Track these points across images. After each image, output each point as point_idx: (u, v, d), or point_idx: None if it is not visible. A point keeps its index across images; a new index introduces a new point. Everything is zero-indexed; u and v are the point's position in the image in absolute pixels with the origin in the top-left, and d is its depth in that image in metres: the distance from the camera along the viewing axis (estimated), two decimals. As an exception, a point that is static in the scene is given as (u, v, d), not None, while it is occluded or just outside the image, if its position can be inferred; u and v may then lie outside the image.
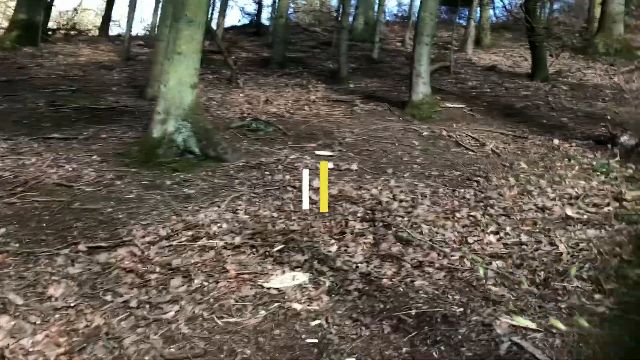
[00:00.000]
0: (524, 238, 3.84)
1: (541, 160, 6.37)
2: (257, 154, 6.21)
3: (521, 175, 5.71)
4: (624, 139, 7.14)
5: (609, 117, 8.53)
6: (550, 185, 5.33)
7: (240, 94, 9.76)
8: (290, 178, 5.30)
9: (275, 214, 4.31)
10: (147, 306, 2.91)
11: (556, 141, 7.12)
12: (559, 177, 5.70)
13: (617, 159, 6.27)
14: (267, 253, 3.57)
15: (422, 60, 8.41)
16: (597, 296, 2.90)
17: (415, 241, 3.74)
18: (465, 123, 8.06)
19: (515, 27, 19.82)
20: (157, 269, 3.33)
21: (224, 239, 3.75)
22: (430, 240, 3.78)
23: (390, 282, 3.17)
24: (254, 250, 3.63)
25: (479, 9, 17.02)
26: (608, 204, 4.72)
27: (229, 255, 3.53)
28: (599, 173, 5.87)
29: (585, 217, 4.37)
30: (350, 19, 15.88)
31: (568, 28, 21.05)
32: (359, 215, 4.29)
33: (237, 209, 4.38)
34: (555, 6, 22.55)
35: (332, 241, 3.79)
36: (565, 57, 14.17)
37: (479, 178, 5.63)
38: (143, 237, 3.83)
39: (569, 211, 4.49)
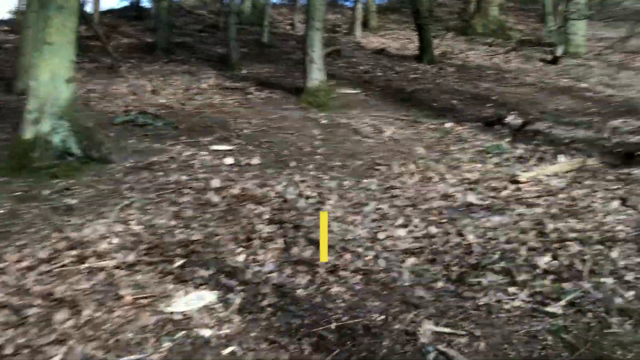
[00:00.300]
0: (432, 230, 3.80)
1: (437, 145, 6.49)
2: (146, 152, 5.71)
3: (420, 161, 5.75)
4: (509, 119, 7.49)
5: (493, 98, 8.94)
6: (450, 171, 5.41)
7: (124, 84, 9.04)
8: (186, 178, 4.91)
9: (172, 222, 3.93)
10: (27, 351, 2.47)
11: (449, 124, 7.30)
12: (456, 160, 5.82)
13: (507, 139, 6.55)
14: (167, 270, 3.22)
15: (314, 46, 8.25)
16: (511, 289, 2.90)
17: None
18: (361, 109, 8.04)
19: (400, 9, 20.37)
20: (37, 302, 2.86)
21: (115, 258, 3.33)
22: (342, 240, 3.63)
23: (305, 293, 2.96)
24: (151, 268, 3.25)
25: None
26: (505, 187, 4.85)
27: (122, 277, 3.13)
28: (491, 155, 6.08)
29: (487, 202, 4.45)
30: (238, 1, 15.37)
31: (448, 9, 22.01)
32: (265, 217, 4.04)
33: (128, 220, 3.94)
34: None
35: (239, 249, 3.51)
36: (447, 38, 14.72)
37: (380, 167, 5.59)
38: (18, 262, 3.30)
39: (471, 197, 4.55)
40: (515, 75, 10.93)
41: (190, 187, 4.68)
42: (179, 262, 3.32)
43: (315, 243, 3.53)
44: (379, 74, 10.71)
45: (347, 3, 20.31)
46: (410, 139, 6.71)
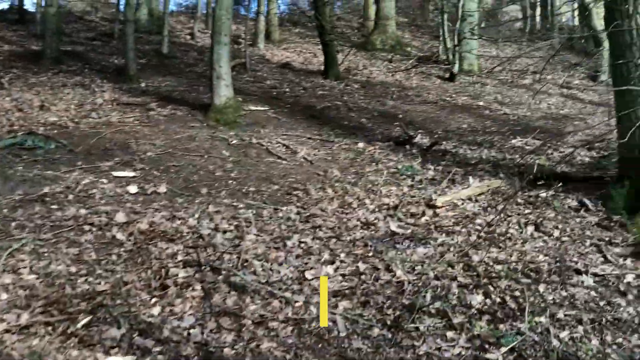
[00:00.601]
0: (361, 266, 3.66)
1: (351, 166, 6.42)
2: (38, 181, 5.08)
3: (337, 185, 5.63)
4: (418, 138, 7.62)
5: (400, 116, 9.10)
6: (368, 195, 5.34)
7: (7, 98, 8.11)
8: (86, 212, 4.40)
9: (73, 269, 3.47)
10: None
11: (361, 144, 7.28)
12: (372, 183, 5.77)
13: (418, 160, 6.63)
14: (69, 332, 2.79)
15: (222, 61, 7.91)
16: (449, 334, 2.81)
17: (251, 286, 3.30)
18: (272, 128, 7.81)
19: (303, 23, 20.43)
20: None
21: (5, 319, 2.84)
22: (267, 283, 3.38)
23: (233, 352, 2.69)
24: (50, 329, 2.81)
25: (266, 2, 16.97)
26: (424, 213, 4.85)
27: (14, 344, 2.67)
28: (405, 176, 6.10)
29: (409, 230, 4.40)
30: (134, 7, 14.54)
31: (346, 23, 22.45)
32: (179, 257, 3.69)
33: (19, 268, 3.42)
34: (338, 3, 23.74)
35: (153, 300, 3.14)
36: (351, 53, 14.91)
37: (298, 191, 5.41)
38: None
39: (393, 226, 4.49)
40: (418, 93, 11.25)
41: (91, 223, 4.19)
42: (84, 319, 2.90)
43: (239, 288, 3.25)
44: (287, 89, 10.55)
45: (248, 13, 20.01)
46: (325, 160, 6.59)
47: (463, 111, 9.82)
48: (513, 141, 7.71)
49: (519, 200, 5.22)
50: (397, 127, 8.35)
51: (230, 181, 5.61)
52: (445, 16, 13.58)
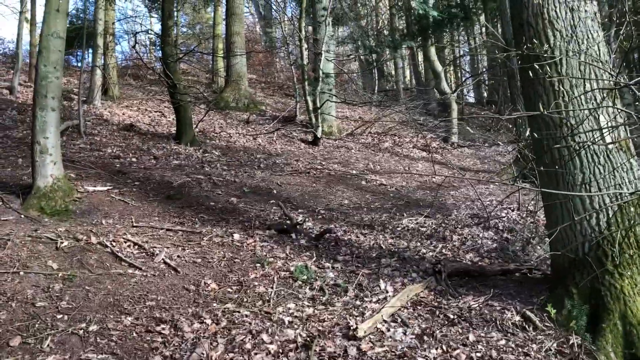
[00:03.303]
0: None
1: (230, 271, 4.96)
2: None
3: (216, 307, 4.15)
4: (306, 225, 6.42)
5: (275, 192, 7.87)
6: (262, 324, 3.93)
7: None
8: None
9: None
10: None
11: (237, 236, 5.85)
12: (263, 300, 4.38)
13: (311, 258, 5.38)
14: None
15: (48, 131, 6.04)
16: None
17: None
18: (117, 216, 6.05)
19: (145, 76, 18.57)
20: None
21: None
22: None
23: None
24: None
25: (103, 54, 14.86)
26: (346, 352, 3.58)
27: None
28: (300, 282, 4.82)
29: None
30: None
31: (195, 79, 21.08)
32: None
33: None
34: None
35: None
36: (202, 112, 13.52)
37: (163, 325, 3.82)
38: None
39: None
40: (286, 160, 10.17)
41: None
42: None
43: None
44: (134, 159, 8.76)
45: (81, 65, 17.63)
46: (194, 264, 5.04)
47: (339, 183, 8.91)
48: (404, 221, 6.86)
49: (449, 315, 4.20)
50: (275, 206, 7.09)
51: (60, 316, 3.82)
52: (305, 76, 12.88)
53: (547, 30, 4.36)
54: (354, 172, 9.83)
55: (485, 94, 25.76)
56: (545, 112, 3.76)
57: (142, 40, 23.91)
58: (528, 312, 4.10)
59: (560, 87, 4.32)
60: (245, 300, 4.37)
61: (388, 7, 22.36)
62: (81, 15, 19.20)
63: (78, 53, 22.24)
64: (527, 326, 3.99)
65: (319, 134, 12.33)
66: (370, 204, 7.81)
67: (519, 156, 10.00)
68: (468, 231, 6.53)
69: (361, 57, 24.38)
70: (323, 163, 10.31)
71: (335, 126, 14.45)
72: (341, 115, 15.83)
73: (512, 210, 7.22)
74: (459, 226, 6.69)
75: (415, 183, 9.54)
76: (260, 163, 9.56)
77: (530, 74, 4.17)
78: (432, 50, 16.34)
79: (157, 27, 27.08)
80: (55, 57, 6.12)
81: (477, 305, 4.34)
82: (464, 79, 25.14)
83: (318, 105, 12.66)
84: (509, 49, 5.32)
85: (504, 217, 7.07)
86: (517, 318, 4.09)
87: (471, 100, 26.40)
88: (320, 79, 12.84)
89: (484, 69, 24.99)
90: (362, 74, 24.22)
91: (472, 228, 6.67)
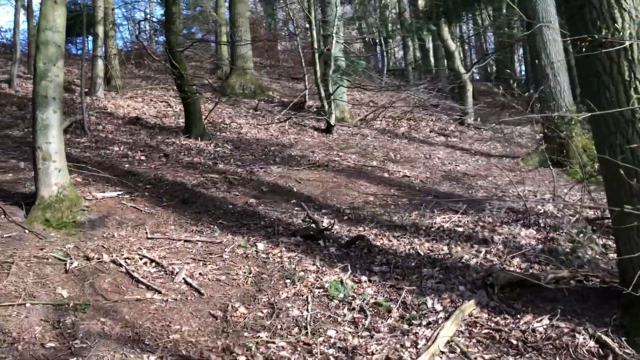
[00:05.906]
0: None
1: (259, 290, 4.48)
2: None
3: (247, 338, 3.67)
4: (334, 229, 5.91)
5: (295, 190, 7.35)
6: (302, 358, 3.46)
7: None
8: None
9: None
10: None
11: (261, 245, 5.35)
12: (299, 326, 3.91)
13: (349, 272, 4.88)
14: None
15: (51, 135, 5.52)
16: None
17: None
18: (131, 228, 5.55)
19: (146, 62, 17.96)
20: None
21: None
22: None
23: None
24: None
25: (104, 42, 14.20)
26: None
27: None
28: (337, 302, 4.34)
29: None
30: None
31: (198, 64, 20.41)
32: None
33: None
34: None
35: None
36: (211, 101, 12.95)
37: (191, 365, 3.35)
38: None
39: None
40: (301, 152, 9.63)
41: None
42: None
43: None
44: (143, 157, 8.24)
45: (83, 53, 17.00)
46: (218, 283, 4.55)
47: (360, 176, 8.38)
48: (437, 220, 6.35)
49: (512, 341, 3.72)
50: (296, 206, 6.59)
51: (69, 353, 3.35)
52: (317, 60, 12.25)
53: (613, 11, 3.79)
54: (374, 163, 9.29)
55: (494, 70, 24.96)
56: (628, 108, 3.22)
57: (143, 27, 23.23)
58: (604, 337, 3.61)
59: (632, 76, 3.77)
60: (279, 327, 3.90)
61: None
62: (79, 1, 18.55)
63: (77, 40, 21.59)
64: (604, 353, 3.50)
65: (332, 122, 11.77)
66: (397, 200, 7.29)
67: (544, 138, 9.41)
68: (508, 230, 6.02)
69: (366, 38, 23.66)
70: (340, 154, 9.76)
71: (347, 111, 13.88)
72: (350, 99, 15.22)
73: (547, 202, 6.70)
74: (497, 224, 6.19)
75: (439, 173, 9.01)
76: (275, 157, 9.03)
77: (597, 63, 3.65)
78: (446, 29, 15.66)
79: (158, 12, 26.32)
80: (54, 54, 5.57)
81: (540, 327, 3.84)
82: (479, 57, 24.38)
83: (330, 91, 12.08)
84: (564, 32, 4.74)
85: (541, 210, 6.56)
86: (592, 343, 3.60)
87: (476, 77, 25.65)
88: (332, 63, 12.23)
89: (492, 48, 24.27)
90: (367, 57, 23.48)
91: (511, 226, 6.17)
